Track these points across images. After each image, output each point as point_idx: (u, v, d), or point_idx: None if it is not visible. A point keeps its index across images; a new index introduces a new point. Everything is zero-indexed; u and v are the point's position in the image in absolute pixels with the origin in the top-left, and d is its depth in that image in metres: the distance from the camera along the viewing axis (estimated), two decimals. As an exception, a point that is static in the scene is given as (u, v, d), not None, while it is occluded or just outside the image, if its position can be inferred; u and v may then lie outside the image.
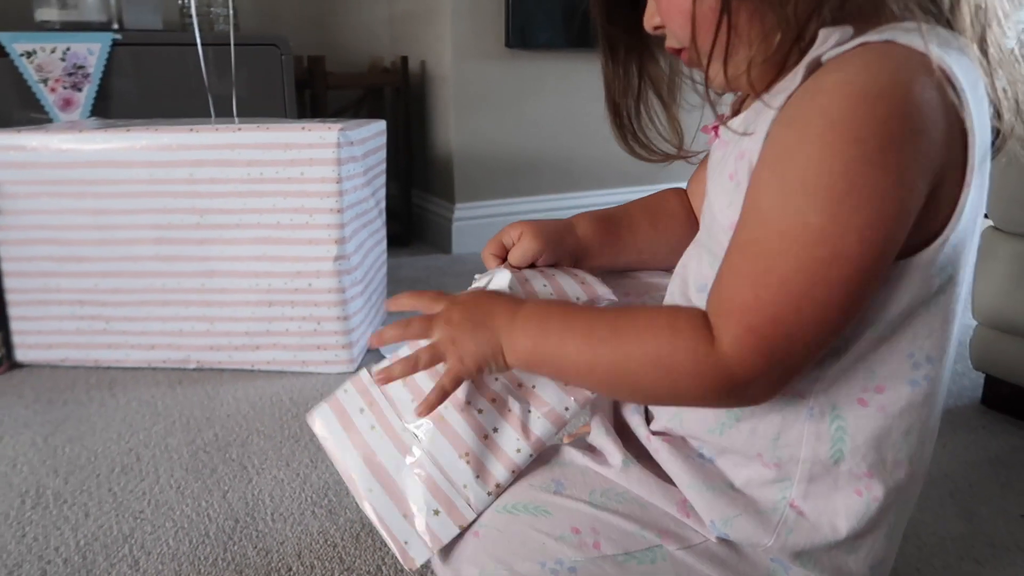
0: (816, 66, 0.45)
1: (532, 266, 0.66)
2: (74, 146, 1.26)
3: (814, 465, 0.51)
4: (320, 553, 0.83)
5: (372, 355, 1.39)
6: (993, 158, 0.49)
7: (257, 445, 1.07)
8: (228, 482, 0.97)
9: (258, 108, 1.77)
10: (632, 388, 0.50)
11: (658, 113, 0.63)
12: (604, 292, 0.64)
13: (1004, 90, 0.47)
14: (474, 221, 2.11)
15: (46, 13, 1.74)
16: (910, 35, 0.43)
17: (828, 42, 0.44)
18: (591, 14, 0.62)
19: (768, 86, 0.49)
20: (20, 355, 1.35)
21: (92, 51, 1.68)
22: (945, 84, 0.42)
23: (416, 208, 2.30)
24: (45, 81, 1.66)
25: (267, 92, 1.85)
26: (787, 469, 0.52)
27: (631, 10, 0.60)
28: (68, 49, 1.66)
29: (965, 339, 1.20)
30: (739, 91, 0.55)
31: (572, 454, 0.59)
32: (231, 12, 1.80)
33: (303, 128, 1.23)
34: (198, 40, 1.49)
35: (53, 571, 0.81)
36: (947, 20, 0.46)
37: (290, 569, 0.81)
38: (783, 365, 0.45)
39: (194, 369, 1.34)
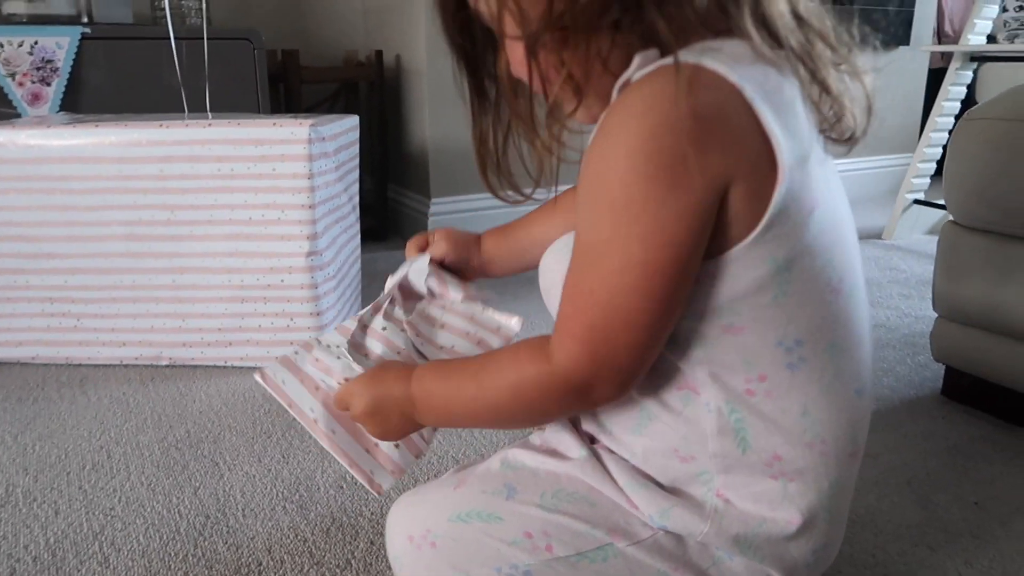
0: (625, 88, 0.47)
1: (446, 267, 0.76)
2: (42, 142, 1.25)
3: (726, 458, 0.53)
4: (290, 548, 0.84)
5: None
6: (847, 153, 0.52)
7: (229, 441, 1.07)
8: (199, 478, 0.98)
9: (232, 103, 1.76)
10: (510, 419, 0.58)
11: (525, 150, 0.60)
12: (506, 327, 0.72)
13: (837, 94, 0.49)
14: (449, 215, 2.11)
15: (13, 6, 1.72)
16: (700, 55, 0.44)
17: (634, 65, 0.47)
18: (445, 37, 0.58)
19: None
20: (-11, 353, 1.34)
21: (61, 45, 1.66)
22: (733, 94, 0.44)
23: (392, 202, 2.30)
24: (13, 75, 1.64)
25: (240, 86, 1.84)
26: (703, 463, 0.54)
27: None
28: (36, 43, 1.64)
29: (926, 331, 1.23)
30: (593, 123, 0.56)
31: (524, 455, 0.60)
32: (204, 5, 1.79)
33: (274, 124, 1.23)
34: (171, 34, 1.48)
35: (23, 569, 0.81)
36: (768, 33, 0.47)
37: (260, 564, 0.81)
38: (613, 365, 0.49)
39: (166, 366, 1.34)
